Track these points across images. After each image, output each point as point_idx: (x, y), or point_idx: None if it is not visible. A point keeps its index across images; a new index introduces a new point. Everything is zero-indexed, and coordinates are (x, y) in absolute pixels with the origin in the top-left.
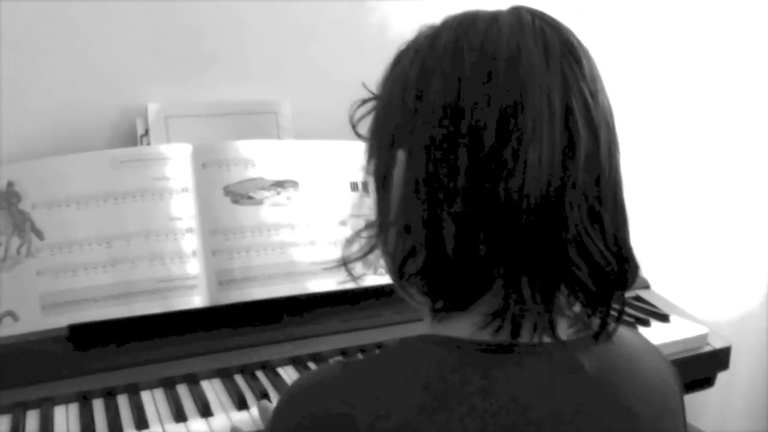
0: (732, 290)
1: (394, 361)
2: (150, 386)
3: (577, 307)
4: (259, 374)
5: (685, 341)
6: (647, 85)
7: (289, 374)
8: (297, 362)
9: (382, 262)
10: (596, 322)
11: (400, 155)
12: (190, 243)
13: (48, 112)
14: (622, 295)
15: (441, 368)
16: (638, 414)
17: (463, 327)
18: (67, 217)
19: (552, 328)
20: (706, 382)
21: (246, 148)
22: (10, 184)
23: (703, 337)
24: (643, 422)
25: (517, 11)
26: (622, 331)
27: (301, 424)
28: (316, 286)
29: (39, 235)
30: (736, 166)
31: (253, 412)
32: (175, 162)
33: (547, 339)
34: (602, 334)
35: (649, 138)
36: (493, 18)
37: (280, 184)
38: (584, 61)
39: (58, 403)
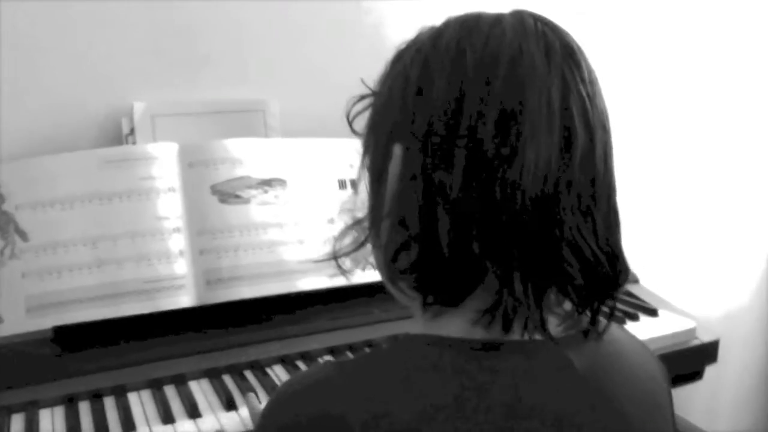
0: (721, 284)
1: (387, 361)
2: (137, 387)
3: (567, 305)
4: (248, 374)
5: (673, 335)
6: (645, 85)
7: (277, 374)
8: (286, 361)
9: (371, 258)
10: (585, 319)
11: (397, 150)
12: (177, 243)
13: (31, 112)
14: (613, 296)
15: (434, 369)
16: (627, 411)
17: (454, 325)
18: (52, 218)
19: (543, 325)
20: (695, 375)
21: (233, 146)
22: None
23: (691, 331)
24: (632, 419)
25: (519, 14)
26: (611, 329)
27: (291, 425)
28: (305, 284)
29: (23, 236)
30: (726, 163)
31: (242, 413)
32: (162, 161)
33: (537, 337)
34: (592, 332)
35: (642, 135)
36: (497, 20)
37: (267, 183)
38: (583, 65)
39: (44, 406)
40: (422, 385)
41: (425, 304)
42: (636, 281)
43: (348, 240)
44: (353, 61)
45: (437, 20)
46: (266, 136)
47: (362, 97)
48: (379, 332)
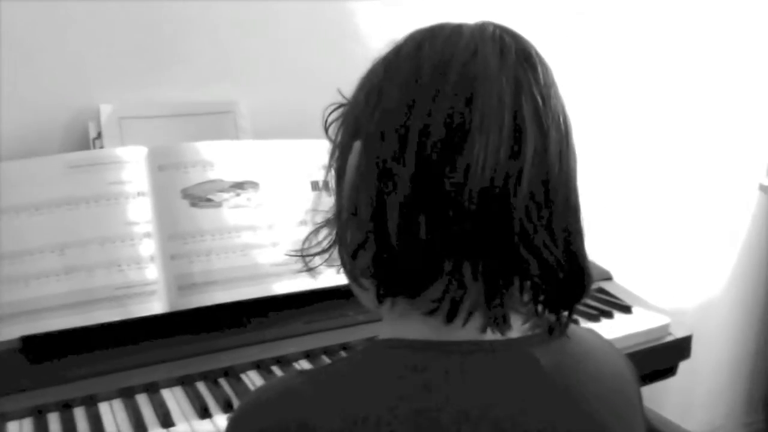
0: (692, 279)
1: (354, 370)
2: (108, 397)
3: (531, 305)
4: (222, 381)
5: (647, 332)
6: (636, 83)
7: (252, 380)
8: (261, 367)
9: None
10: (551, 318)
11: (356, 145)
12: (148, 248)
13: None
14: (577, 299)
15: (401, 375)
16: (595, 410)
17: (419, 325)
18: (17, 226)
19: (504, 322)
20: (669, 371)
21: (204, 149)
22: None
23: (665, 327)
24: (600, 418)
25: (482, 23)
26: (577, 329)
27: None
28: (280, 287)
29: None
30: (697, 160)
31: (216, 421)
32: (131, 165)
33: (501, 336)
34: (556, 330)
35: (619, 134)
36: (458, 26)
37: (239, 186)
38: (539, 69)
39: (12, 419)
40: (387, 393)
41: (379, 295)
42: (609, 278)
43: (318, 239)
44: (324, 61)
45: (414, 23)
46: (237, 137)
47: (338, 106)
48: (354, 335)
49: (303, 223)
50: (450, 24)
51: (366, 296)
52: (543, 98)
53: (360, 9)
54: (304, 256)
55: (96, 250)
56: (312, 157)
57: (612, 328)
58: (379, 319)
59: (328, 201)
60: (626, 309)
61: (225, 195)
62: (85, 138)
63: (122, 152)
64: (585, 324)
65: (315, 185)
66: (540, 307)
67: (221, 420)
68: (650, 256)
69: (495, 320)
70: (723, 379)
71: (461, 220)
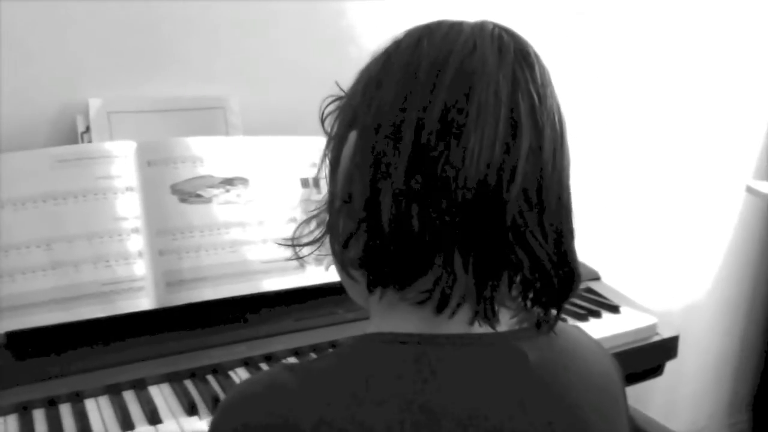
0: (680, 281)
1: (341, 364)
2: (95, 394)
3: (519, 300)
4: (210, 378)
5: (635, 331)
6: (633, 88)
7: (240, 377)
8: (249, 364)
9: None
10: (539, 313)
11: (352, 135)
12: (136, 244)
13: None
14: (566, 297)
15: (390, 369)
16: (580, 407)
17: (406, 314)
18: (3, 220)
19: (493, 315)
20: (656, 370)
21: (194, 144)
22: None
23: (652, 327)
24: (584, 415)
25: (481, 21)
26: (564, 326)
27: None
28: (269, 285)
29: None
30: (684, 161)
31: (205, 418)
32: (119, 160)
33: (490, 329)
34: (544, 325)
35: (611, 133)
36: (458, 23)
37: (229, 182)
38: (536, 68)
39: None
40: (376, 387)
41: (369, 284)
42: (597, 278)
43: (307, 230)
44: (316, 59)
45: (409, 23)
46: (227, 133)
47: (335, 99)
48: (343, 333)
49: (292, 219)
50: (449, 21)
51: (355, 288)
52: (539, 97)
53: (354, 8)
54: (295, 245)
55: (83, 245)
56: (302, 154)
57: (600, 328)
58: (368, 318)
59: (318, 197)
60: (614, 309)
61: (214, 191)
62: (73, 132)
63: (111, 147)
64: (573, 323)
65: (305, 182)
66: (528, 303)
67: (209, 417)
68: (637, 257)
69: (485, 313)
70: (708, 379)
71: (454, 212)
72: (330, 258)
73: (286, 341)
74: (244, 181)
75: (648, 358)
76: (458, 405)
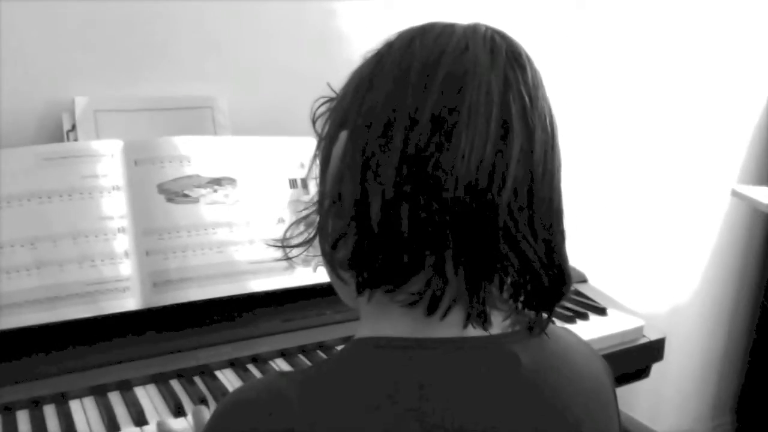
0: (665, 284)
1: (339, 372)
2: (80, 395)
3: (510, 302)
4: (197, 379)
5: (622, 334)
6: (620, 91)
7: (228, 378)
8: (236, 365)
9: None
10: (530, 315)
11: (342, 135)
12: (122, 243)
13: None
14: (557, 299)
15: (383, 375)
16: (571, 411)
17: (397, 317)
18: None
19: (485, 318)
20: (642, 373)
21: (181, 144)
22: None
23: (639, 330)
24: (576, 419)
25: (474, 23)
26: (555, 329)
27: None
28: (256, 285)
29: None
30: (672, 164)
31: (191, 420)
32: (106, 159)
33: (483, 332)
34: (536, 328)
35: (597, 136)
36: (450, 25)
37: (217, 182)
38: (528, 69)
39: None
40: (372, 395)
41: (359, 286)
42: (584, 280)
43: (297, 232)
44: (305, 61)
45: (400, 23)
46: (215, 133)
47: (327, 100)
48: (331, 334)
49: (280, 220)
50: (442, 23)
51: (344, 289)
52: (531, 98)
53: (343, 8)
54: (284, 246)
55: (68, 244)
56: (291, 154)
57: (587, 330)
58: (356, 319)
59: (307, 198)
60: (601, 311)
61: (202, 191)
62: (58, 130)
63: (97, 145)
64: (560, 325)
65: (293, 183)
66: (520, 305)
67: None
68: (623, 260)
69: (478, 315)
70: (692, 381)
71: (444, 213)
72: (318, 259)
73: (274, 342)
74: (231, 181)
75: (635, 360)
76: (451, 410)
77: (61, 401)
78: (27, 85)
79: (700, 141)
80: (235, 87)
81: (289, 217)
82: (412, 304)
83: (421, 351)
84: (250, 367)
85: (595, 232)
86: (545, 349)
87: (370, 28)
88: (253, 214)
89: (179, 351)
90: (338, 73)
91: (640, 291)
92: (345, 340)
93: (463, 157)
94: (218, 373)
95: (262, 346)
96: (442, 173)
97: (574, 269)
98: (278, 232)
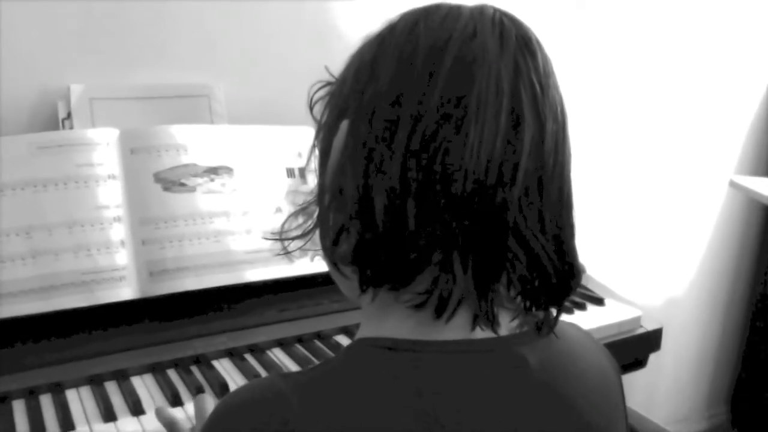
0: (661, 274)
1: (337, 372)
2: (76, 384)
3: (518, 300)
4: (194, 368)
5: (620, 324)
6: (618, 84)
7: (224, 367)
8: (233, 354)
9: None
10: (539, 314)
11: (344, 125)
12: (118, 232)
13: None
14: (566, 294)
15: (384, 378)
16: (581, 409)
17: (402, 318)
18: None
19: (493, 319)
20: (639, 363)
21: (177, 133)
22: None
23: (636, 320)
24: (585, 418)
25: (481, 4)
26: (563, 326)
27: None
28: (253, 275)
29: None
30: (670, 155)
31: (188, 409)
32: (101, 147)
33: (490, 334)
34: (544, 328)
35: (595, 127)
36: (456, 6)
37: (213, 171)
38: (539, 56)
39: None
40: (376, 399)
41: (362, 285)
42: (582, 271)
43: (295, 224)
44: (301, 48)
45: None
46: (212, 122)
47: (325, 84)
48: (329, 323)
49: (278, 210)
50: (447, 3)
51: (346, 284)
52: (542, 87)
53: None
54: (283, 239)
55: (64, 233)
56: (288, 143)
57: (585, 320)
58: (353, 308)
59: (304, 188)
60: (599, 301)
61: (199, 180)
62: (53, 118)
63: (93, 134)
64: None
65: (290, 172)
66: (528, 303)
67: (193, 408)
68: (621, 251)
69: (486, 316)
70: (687, 372)
71: (452, 210)
72: (316, 250)
73: (271, 332)
74: (228, 170)
75: (632, 350)
76: (461, 414)
77: (58, 391)
78: (22, 72)
79: (697, 133)
80: (231, 75)
81: (286, 207)
82: (418, 306)
83: (428, 354)
84: (247, 356)
85: (592, 222)
86: (553, 348)
87: (369, 18)
88: (250, 203)
89: (176, 340)
90: (336, 64)
91: (636, 281)
92: (342, 329)
93: (472, 150)
94: (215, 363)
95: (259, 336)
96: (451, 168)
97: None
98: (275, 221)
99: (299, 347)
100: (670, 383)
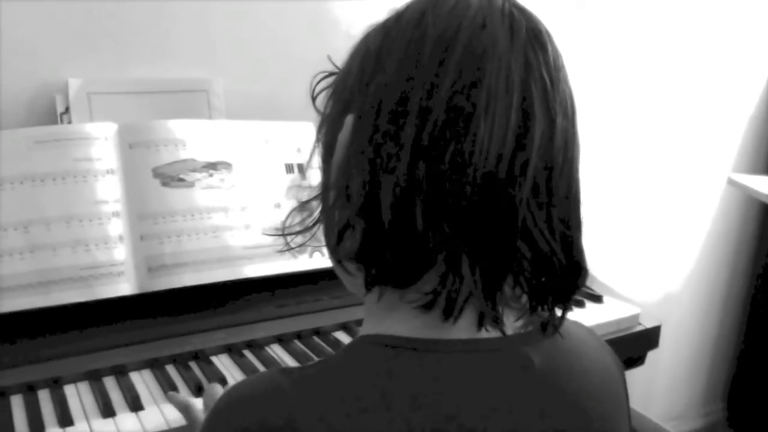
0: (658, 271)
1: (339, 369)
2: (74, 379)
3: (524, 300)
4: (192, 364)
5: (618, 321)
6: (616, 82)
7: (223, 363)
8: (232, 350)
9: (319, 243)
10: (544, 314)
11: (348, 120)
12: (117, 228)
13: None
14: (572, 292)
15: (387, 375)
16: (587, 411)
17: (407, 317)
18: None
19: (498, 320)
20: (638, 360)
21: (176, 127)
22: None
23: (635, 318)
24: (591, 419)
25: None
26: (568, 324)
27: None
28: (251, 271)
29: None
30: (668, 153)
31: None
32: (100, 142)
33: (495, 334)
34: (549, 328)
35: (593, 126)
36: None
37: (212, 166)
38: (549, 49)
39: None
40: (377, 398)
41: (367, 283)
42: (589, 269)
43: (297, 219)
44: (301, 43)
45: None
46: (210, 117)
47: (328, 75)
48: (328, 319)
49: (277, 206)
50: None
51: (352, 282)
52: (552, 82)
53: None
54: (285, 235)
55: (62, 228)
56: (287, 139)
57: (583, 317)
58: (353, 305)
59: (304, 184)
60: (597, 298)
61: (197, 175)
62: (51, 112)
63: (91, 128)
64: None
65: (290, 168)
66: (534, 302)
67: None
68: (618, 248)
69: (492, 316)
70: (684, 369)
71: (461, 208)
72: (318, 246)
73: (269, 328)
74: (227, 165)
75: (631, 347)
76: (461, 414)
77: (56, 386)
78: (19, 65)
79: (696, 131)
80: (230, 70)
81: (285, 203)
82: (425, 306)
83: (434, 354)
84: (246, 352)
85: (590, 219)
86: (557, 348)
87: (370, 12)
88: (248, 199)
89: (174, 336)
90: (335, 58)
91: (632, 278)
92: (342, 326)
93: (482, 147)
94: (214, 358)
95: (258, 332)
96: (460, 165)
97: None
98: (274, 217)
99: (298, 343)
100: (667, 380)
